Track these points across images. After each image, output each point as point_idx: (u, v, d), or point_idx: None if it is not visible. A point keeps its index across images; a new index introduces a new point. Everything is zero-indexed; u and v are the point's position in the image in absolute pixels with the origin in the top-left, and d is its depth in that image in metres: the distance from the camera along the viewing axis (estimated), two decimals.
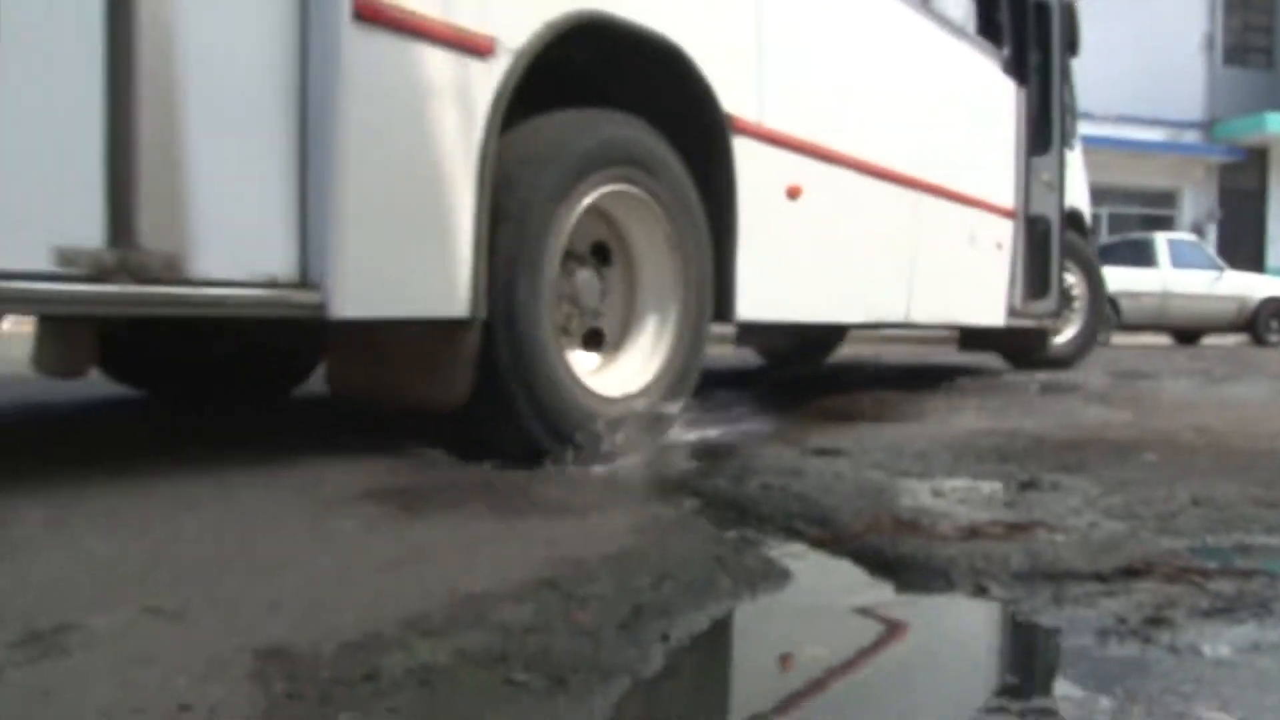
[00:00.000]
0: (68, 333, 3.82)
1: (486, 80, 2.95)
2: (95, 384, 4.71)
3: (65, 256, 2.19)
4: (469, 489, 2.97)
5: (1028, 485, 3.25)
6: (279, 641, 1.70)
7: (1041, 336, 8.24)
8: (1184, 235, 22.48)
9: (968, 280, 6.48)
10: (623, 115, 3.52)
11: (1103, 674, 1.83)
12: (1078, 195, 8.58)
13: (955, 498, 3.06)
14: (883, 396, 6.08)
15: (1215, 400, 6.54)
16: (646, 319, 3.78)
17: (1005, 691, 1.79)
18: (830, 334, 8.47)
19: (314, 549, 2.30)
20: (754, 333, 7.07)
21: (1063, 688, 1.81)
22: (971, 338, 8.68)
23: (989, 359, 9.26)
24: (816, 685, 1.81)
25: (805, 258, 4.62)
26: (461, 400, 3.12)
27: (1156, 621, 2.04)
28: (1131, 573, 2.35)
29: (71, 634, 1.72)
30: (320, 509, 2.69)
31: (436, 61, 2.83)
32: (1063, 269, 7.63)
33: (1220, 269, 20.02)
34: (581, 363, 3.59)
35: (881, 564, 2.46)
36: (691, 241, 3.79)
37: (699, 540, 2.49)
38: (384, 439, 3.47)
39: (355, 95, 2.59)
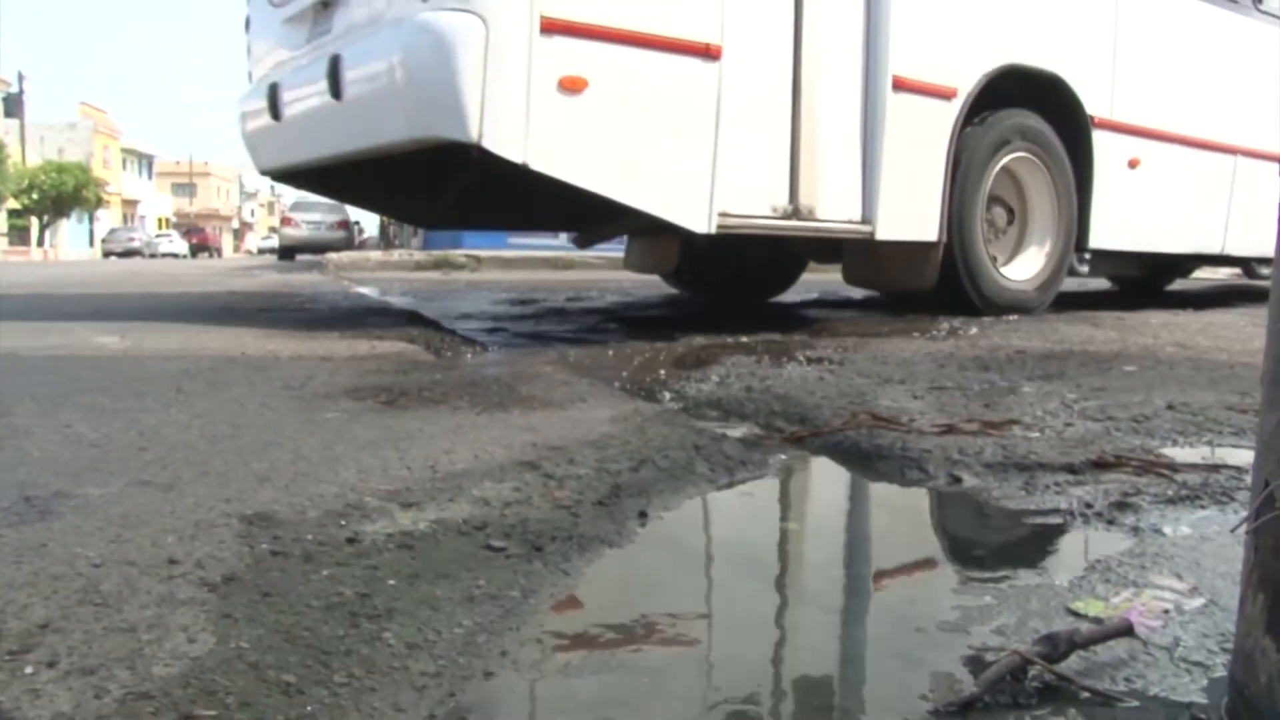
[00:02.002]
0: (654, 246, 7.13)
1: (952, 109, 5.37)
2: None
3: (775, 209, 4.85)
4: (452, 387, 3.01)
5: (1007, 390, 3.29)
6: (265, 508, 1.76)
7: None
8: None
9: None
10: (1024, 111, 5.79)
11: (1064, 550, 1.89)
12: None
13: (934, 400, 3.10)
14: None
15: None
16: (1034, 238, 6.12)
17: (969, 564, 1.85)
18: (1166, 267, 10.01)
19: (300, 434, 2.34)
20: (1101, 262, 8.60)
21: (1026, 561, 1.86)
22: None
23: None
24: (788, 556, 1.87)
25: (1140, 206, 6.67)
26: (930, 285, 5.52)
27: (1122, 506, 2.10)
28: (1102, 465, 2.40)
29: (65, 501, 1.77)
30: (306, 403, 2.73)
31: (930, 105, 5.27)
32: None
33: None
34: (996, 261, 5.91)
35: (858, 455, 2.51)
36: (1064, 192, 6.05)
37: (679, 431, 2.54)
38: (367, 342, 3.51)
39: (891, 126, 5.09)
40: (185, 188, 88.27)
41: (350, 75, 4.57)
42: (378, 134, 4.49)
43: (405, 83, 4.14)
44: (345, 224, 31.62)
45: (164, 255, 50.67)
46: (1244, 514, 1.17)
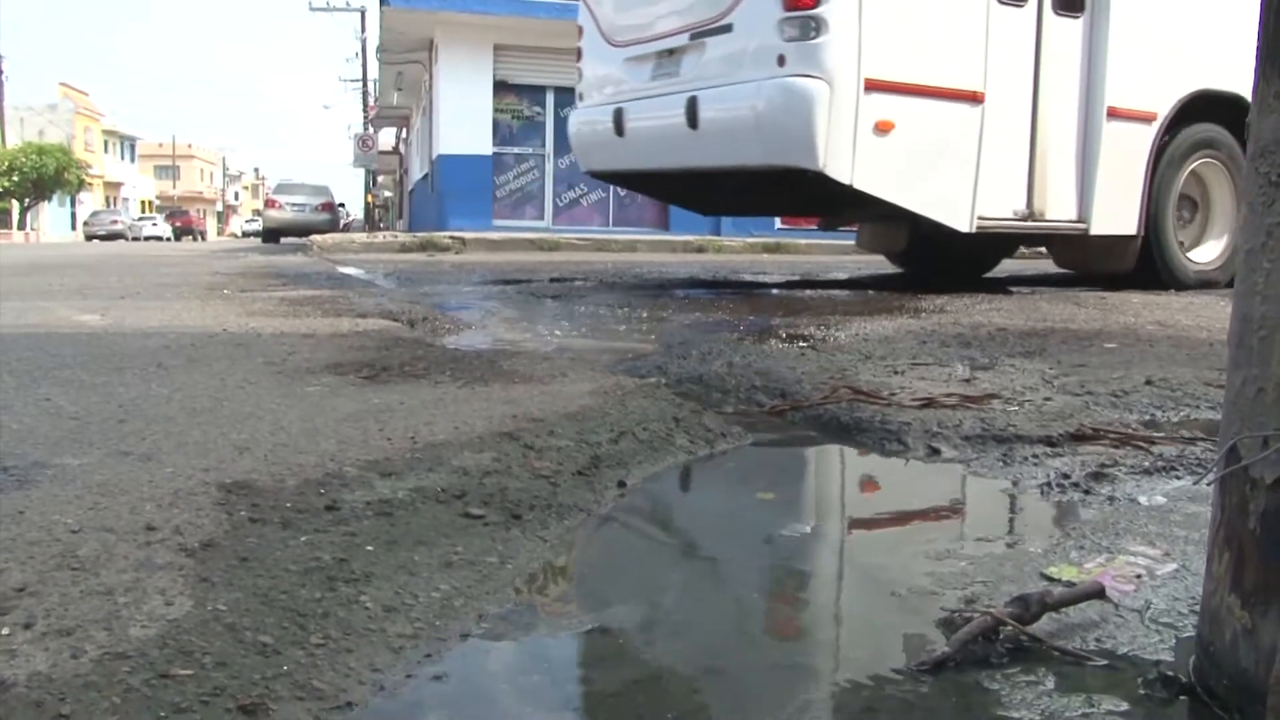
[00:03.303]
0: (886, 231, 8.45)
1: (1152, 130, 6.66)
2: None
3: (1016, 212, 6.31)
4: (434, 362, 3.01)
5: (987, 366, 3.31)
6: (244, 477, 1.76)
7: None
8: None
9: None
10: (1210, 125, 6.95)
11: (1040, 518, 1.91)
12: None
13: (914, 375, 3.11)
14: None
15: None
16: (1215, 226, 7.29)
17: (944, 532, 1.86)
18: None
19: (281, 407, 2.34)
20: None
21: (1001, 529, 1.88)
22: None
23: None
24: (764, 524, 1.88)
25: None
26: (1129, 268, 6.83)
27: (1099, 477, 2.11)
28: (1080, 438, 2.42)
29: (43, 470, 1.77)
30: (288, 377, 2.73)
31: (1135, 127, 6.61)
32: None
33: None
34: (1183, 246, 7.13)
35: (838, 427, 2.52)
36: (1241, 189, 6.85)
37: (659, 405, 2.54)
38: (350, 319, 3.50)
39: (1105, 146, 6.47)
40: (168, 170, 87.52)
41: (707, 112, 6.04)
42: (730, 157, 6.01)
43: (768, 124, 5.61)
44: (330, 206, 31.43)
45: (147, 238, 50.30)
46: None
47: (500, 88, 19.31)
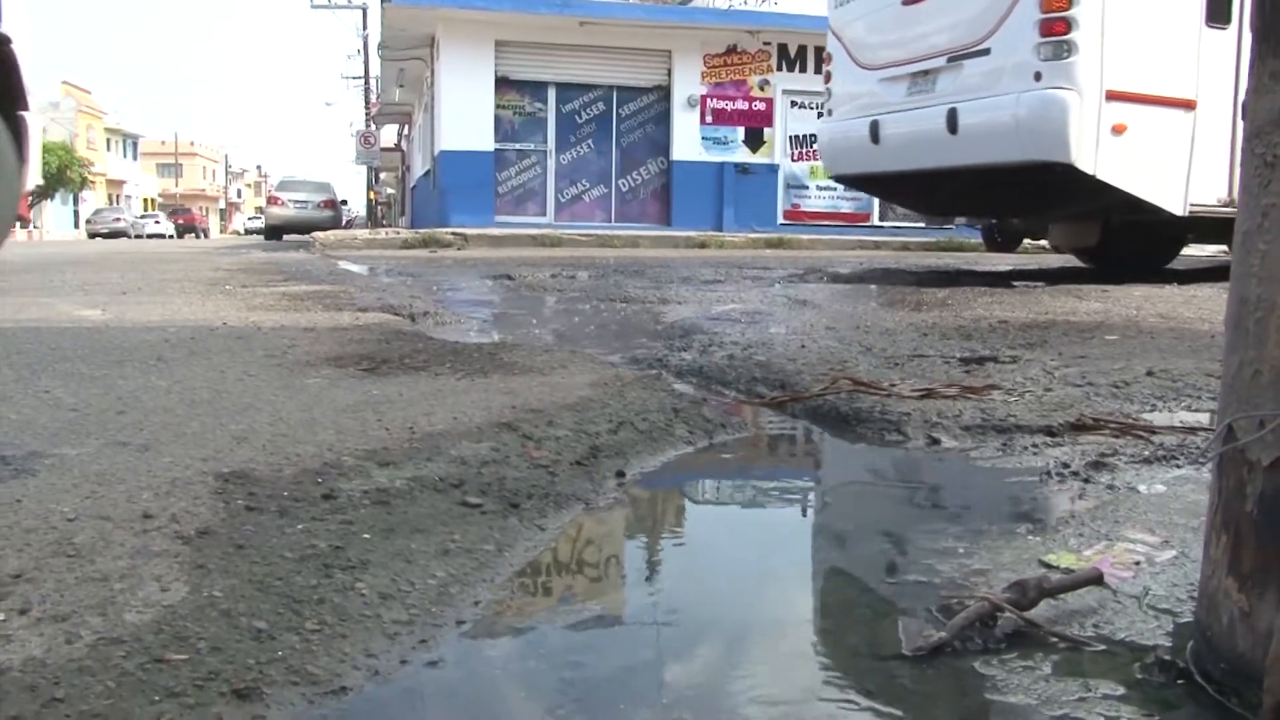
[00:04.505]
0: (1078, 229, 9.07)
1: None
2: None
3: (1219, 200, 7.35)
4: (434, 355, 3.01)
5: (988, 358, 3.30)
6: (242, 467, 1.75)
7: None
8: None
9: None
10: None
11: (1041, 506, 1.90)
12: None
13: (915, 366, 3.11)
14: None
15: None
16: None
17: (943, 520, 1.86)
18: None
19: (280, 398, 2.34)
20: None
21: (1000, 518, 1.87)
22: None
23: None
24: (763, 513, 1.88)
25: None
26: None
27: (1099, 466, 2.11)
28: (1080, 428, 2.41)
29: (40, 460, 1.77)
30: (288, 370, 2.73)
31: None
32: None
33: None
34: None
35: (838, 418, 2.52)
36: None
37: (658, 396, 2.54)
38: (350, 313, 3.50)
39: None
40: (171, 168, 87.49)
41: (967, 119, 7.24)
42: (988, 156, 7.19)
43: (1027, 127, 6.81)
44: (332, 203, 31.35)
45: (150, 236, 50.34)
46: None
47: (502, 84, 19.29)
